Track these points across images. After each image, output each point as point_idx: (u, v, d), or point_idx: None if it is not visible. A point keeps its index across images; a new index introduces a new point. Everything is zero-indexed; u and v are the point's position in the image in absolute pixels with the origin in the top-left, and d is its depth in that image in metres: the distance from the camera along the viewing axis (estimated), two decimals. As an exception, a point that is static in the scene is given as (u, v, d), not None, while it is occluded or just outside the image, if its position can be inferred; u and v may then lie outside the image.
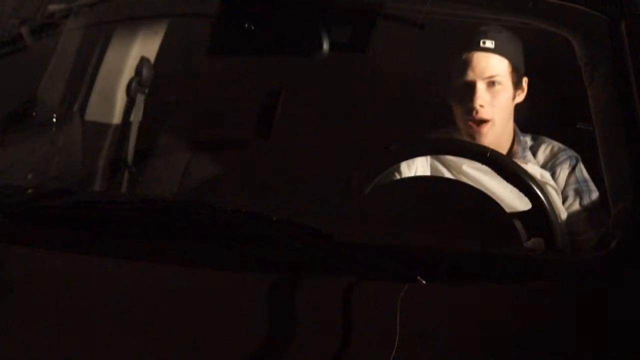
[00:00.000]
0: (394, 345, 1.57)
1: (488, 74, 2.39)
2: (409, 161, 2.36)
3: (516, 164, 2.25)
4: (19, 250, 1.89)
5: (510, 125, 2.48)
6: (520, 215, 2.17)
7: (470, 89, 2.39)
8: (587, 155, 2.45)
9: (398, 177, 2.36)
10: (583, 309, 1.76)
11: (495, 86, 2.40)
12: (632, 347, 1.66)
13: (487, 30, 2.40)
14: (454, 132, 2.50)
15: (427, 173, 2.41)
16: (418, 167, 2.39)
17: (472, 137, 2.41)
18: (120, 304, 1.73)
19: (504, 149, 2.46)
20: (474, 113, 2.38)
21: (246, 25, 2.52)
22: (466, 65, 2.39)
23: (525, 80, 2.47)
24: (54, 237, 1.90)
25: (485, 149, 2.26)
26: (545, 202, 2.15)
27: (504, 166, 2.20)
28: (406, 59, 2.65)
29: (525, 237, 2.14)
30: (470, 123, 2.40)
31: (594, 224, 2.29)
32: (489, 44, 2.38)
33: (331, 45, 2.51)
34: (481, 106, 2.38)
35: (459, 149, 2.33)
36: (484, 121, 2.40)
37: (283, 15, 2.53)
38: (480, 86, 2.38)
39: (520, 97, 2.47)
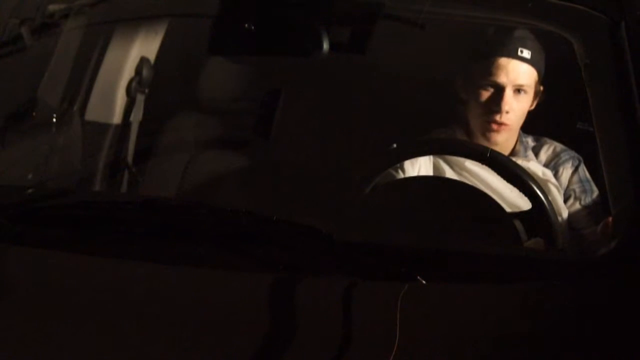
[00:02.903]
0: (394, 346, 1.57)
1: (519, 82, 2.42)
2: (412, 159, 2.37)
3: (516, 163, 2.26)
4: (19, 250, 1.89)
5: (518, 128, 2.50)
6: (520, 215, 2.17)
7: (499, 92, 2.41)
8: (588, 156, 2.45)
9: (402, 174, 2.36)
10: (583, 308, 1.76)
11: (521, 94, 2.43)
12: (633, 347, 1.66)
13: (524, 38, 2.42)
14: (454, 132, 2.51)
15: (430, 170, 2.41)
16: (421, 164, 2.40)
17: (487, 136, 2.43)
18: (120, 303, 1.73)
19: (507, 149, 2.47)
20: (498, 116, 2.41)
21: (246, 25, 2.52)
22: (499, 69, 2.42)
23: (541, 89, 2.48)
24: (54, 237, 1.90)
25: (485, 149, 2.27)
26: (545, 201, 2.16)
27: (504, 166, 2.20)
28: (406, 59, 2.65)
29: (525, 237, 2.15)
30: (492, 124, 2.42)
31: (596, 220, 2.30)
32: (526, 53, 2.42)
33: (331, 45, 2.51)
34: (507, 112, 2.41)
35: (459, 149, 2.33)
36: (504, 125, 2.42)
37: (283, 15, 2.53)
38: (509, 92, 2.41)
39: (534, 104, 2.49)
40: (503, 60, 2.42)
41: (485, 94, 2.43)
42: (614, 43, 2.11)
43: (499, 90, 2.42)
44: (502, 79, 2.41)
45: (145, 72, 2.78)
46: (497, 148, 2.39)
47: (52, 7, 2.63)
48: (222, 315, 1.70)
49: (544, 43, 2.47)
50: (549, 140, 2.54)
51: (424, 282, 1.73)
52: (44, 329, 1.67)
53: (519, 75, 2.42)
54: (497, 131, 2.43)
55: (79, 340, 1.64)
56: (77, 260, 1.84)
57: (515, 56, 2.42)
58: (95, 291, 1.76)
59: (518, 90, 2.42)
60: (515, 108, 2.43)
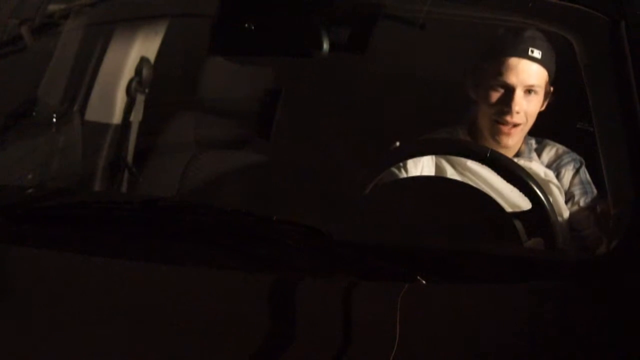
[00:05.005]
0: (393, 346, 1.57)
1: (529, 82, 2.39)
2: (415, 159, 2.37)
3: (516, 164, 2.26)
4: (19, 250, 1.89)
5: (528, 130, 2.49)
6: (521, 215, 2.17)
7: (509, 93, 2.39)
8: (588, 156, 2.45)
9: (404, 174, 2.36)
10: (583, 309, 1.76)
11: (532, 94, 2.41)
12: (632, 347, 1.66)
13: (534, 38, 2.39)
14: (456, 132, 2.51)
15: (432, 170, 2.41)
16: (424, 164, 2.40)
17: (497, 137, 2.42)
18: (120, 304, 1.73)
19: (514, 149, 2.47)
20: (509, 117, 2.39)
21: (246, 25, 2.52)
22: (509, 69, 2.39)
23: (551, 89, 2.47)
24: (54, 237, 1.90)
25: (485, 149, 2.27)
26: (545, 202, 2.16)
27: (504, 166, 2.20)
28: (406, 59, 2.65)
29: (525, 237, 2.14)
30: (501, 125, 2.41)
31: (596, 221, 2.29)
32: (537, 53, 2.39)
33: (331, 45, 2.51)
34: (517, 112, 2.39)
35: (459, 149, 2.33)
36: (515, 125, 2.41)
37: (283, 15, 2.53)
38: (519, 92, 2.39)
39: (544, 105, 2.47)
40: (513, 60, 2.40)
41: (496, 95, 2.41)
42: (614, 43, 2.11)
43: (509, 90, 2.39)
44: (512, 79, 2.39)
45: (145, 72, 2.78)
46: (505, 150, 2.40)
47: (52, 7, 2.63)
48: (221, 315, 1.69)
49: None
50: (551, 142, 2.53)
51: (424, 282, 1.73)
52: (44, 329, 1.67)
53: (529, 75, 2.40)
54: (508, 134, 2.41)
55: (78, 340, 1.64)
56: (77, 260, 1.84)
57: (525, 56, 2.39)
58: (95, 291, 1.76)
59: (529, 90, 2.40)
60: (526, 108, 2.41)
